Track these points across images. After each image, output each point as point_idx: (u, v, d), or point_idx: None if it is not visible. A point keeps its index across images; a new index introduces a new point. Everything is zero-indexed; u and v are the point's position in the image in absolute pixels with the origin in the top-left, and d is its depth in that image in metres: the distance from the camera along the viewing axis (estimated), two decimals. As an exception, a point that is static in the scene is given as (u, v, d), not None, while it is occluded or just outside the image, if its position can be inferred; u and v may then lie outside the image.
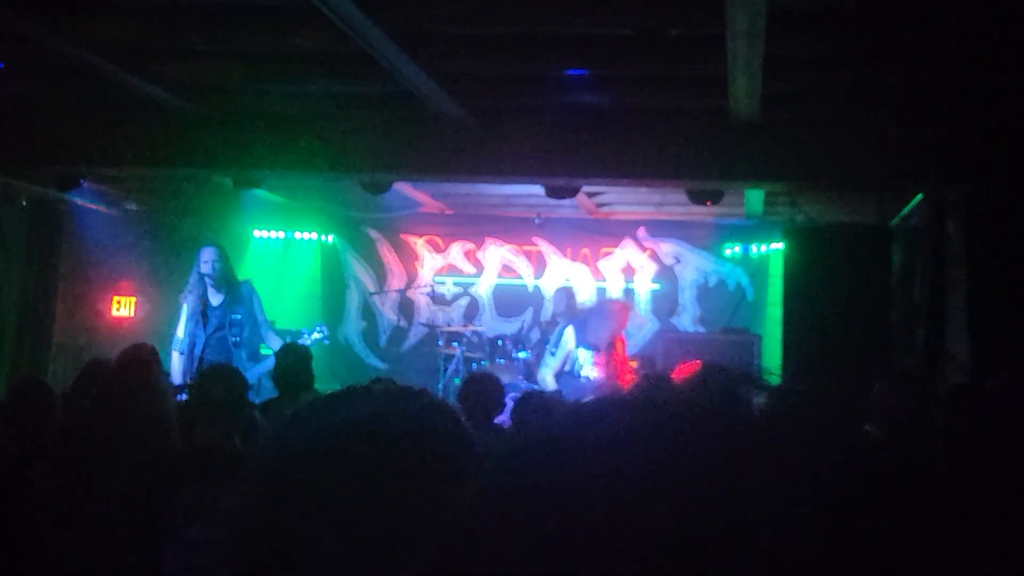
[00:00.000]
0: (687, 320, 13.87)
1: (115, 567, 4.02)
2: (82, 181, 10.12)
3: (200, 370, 6.35)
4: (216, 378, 5.45)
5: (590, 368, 9.27)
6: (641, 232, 13.94)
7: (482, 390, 6.58)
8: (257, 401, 8.38)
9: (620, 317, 9.51)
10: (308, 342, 8.55)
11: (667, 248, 13.96)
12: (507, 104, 8.55)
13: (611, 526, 0.65)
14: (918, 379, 6.49)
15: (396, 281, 14.55)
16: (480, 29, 6.97)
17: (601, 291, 14.02)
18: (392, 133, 8.92)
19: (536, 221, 13.58)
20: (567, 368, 9.35)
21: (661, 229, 13.82)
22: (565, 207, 12.03)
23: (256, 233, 14.16)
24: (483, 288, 14.48)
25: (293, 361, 7.04)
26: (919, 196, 9.24)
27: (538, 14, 6.47)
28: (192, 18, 6.90)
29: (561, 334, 9.49)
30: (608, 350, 9.29)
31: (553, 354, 9.48)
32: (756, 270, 13.53)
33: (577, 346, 9.30)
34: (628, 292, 13.90)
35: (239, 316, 8.79)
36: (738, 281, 13.70)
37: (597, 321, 9.42)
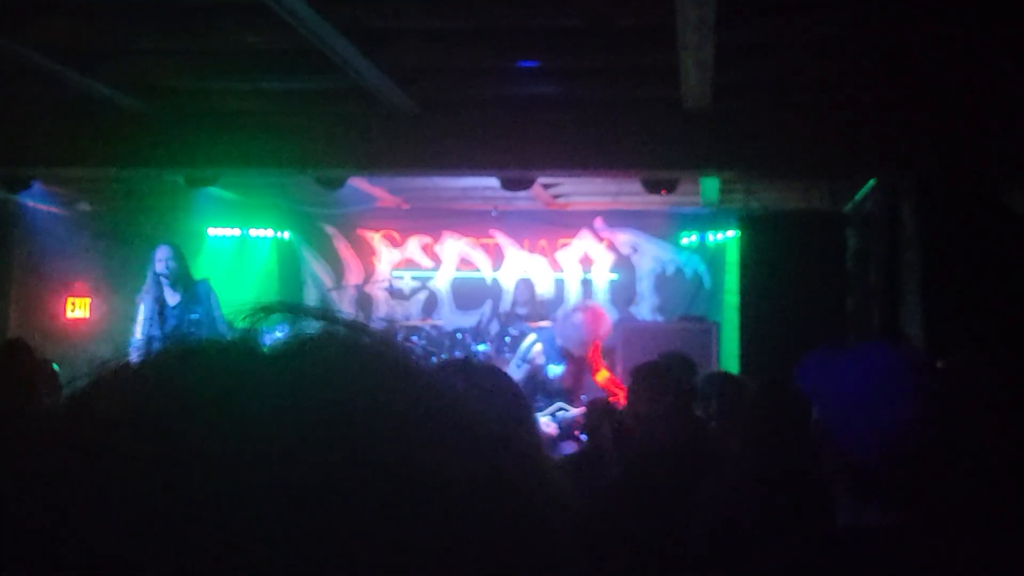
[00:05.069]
0: (645, 309, 13.93)
1: None
2: (33, 182, 10.02)
3: None
4: None
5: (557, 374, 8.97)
6: (598, 222, 13.99)
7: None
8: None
9: (592, 328, 9.04)
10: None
11: (624, 238, 14.01)
12: (460, 97, 8.54)
13: None
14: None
15: (354, 276, 14.53)
16: (430, 23, 6.95)
17: (559, 282, 14.06)
18: (345, 128, 8.89)
19: (493, 214, 13.58)
20: (538, 376, 9.04)
21: (618, 219, 13.87)
22: (522, 199, 12.04)
23: (211, 231, 14.09)
24: (441, 282, 14.49)
25: None
26: (872, 181, 9.30)
27: (488, 7, 6.47)
28: (140, 17, 6.85)
29: (529, 349, 9.11)
30: (582, 361, 8.98)
31: (519, 366, 9.16)
32: (713, 258, 13.61)
33: (547, 363, 8.96)
34: (586, 283, 13.95)
35: (197, 316, 8.74)
36: (695, 269, 13.78)
37: (567, 335, 9.03)
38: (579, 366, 9.04)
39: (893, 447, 1.89)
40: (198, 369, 0.67)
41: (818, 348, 2.21)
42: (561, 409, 8.76)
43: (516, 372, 9.18)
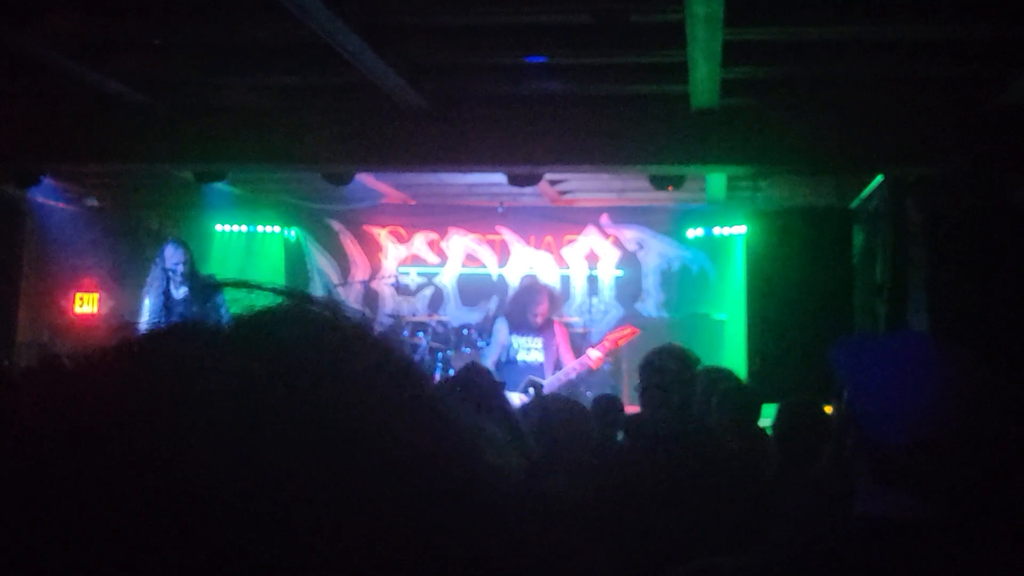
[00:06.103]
0: (651, 306, 13.93)
1: None
2: (43, 178, 10.04)
3: None
4: None
5: (526, 353, 9.40)
6: (604, 219, 13.99)
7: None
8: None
9: (539, 296, 9.58)
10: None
11: (630, 234, 14.01)
12: (469, 93, 8.56)
13: None
14: None
15: (360, 272, 14.55)
16: (441, 19, 6.98)
17: (565, 279, 14.08)
18: (354, 124, 8.91)
19: (499, 210, 13.60)
20: (503, 358, 9.45)
21: (624, 215, 13.87)
22: (528, 195, 12.05)
23: (218, 227, 14.11)
24: (447, 278, 14.50)
25: None
26: (878, 178, 9.32)
27: (499, 3, 6.49)
28: (149, 12, 6.87)
29: (493, 326, 9.67)
30: (545, 332, 9.37)
31: (488, 344, 9.75)
32: (718, 254, 13.59)
33: (511, 335, 9.42)
34: (592, 279, 13.97)
35: (203, 310, 8.77)
36: (701, 265, 13.76)
37: (518, 306, 9.55)
38: (547, 343, 9.32)
39: (919, 434, 1.91)
40: (160, 355, 0.69)
41: (853, 336, 2.23)
42: (533, 383, 8.93)
43: (488, 353, 9.56)
